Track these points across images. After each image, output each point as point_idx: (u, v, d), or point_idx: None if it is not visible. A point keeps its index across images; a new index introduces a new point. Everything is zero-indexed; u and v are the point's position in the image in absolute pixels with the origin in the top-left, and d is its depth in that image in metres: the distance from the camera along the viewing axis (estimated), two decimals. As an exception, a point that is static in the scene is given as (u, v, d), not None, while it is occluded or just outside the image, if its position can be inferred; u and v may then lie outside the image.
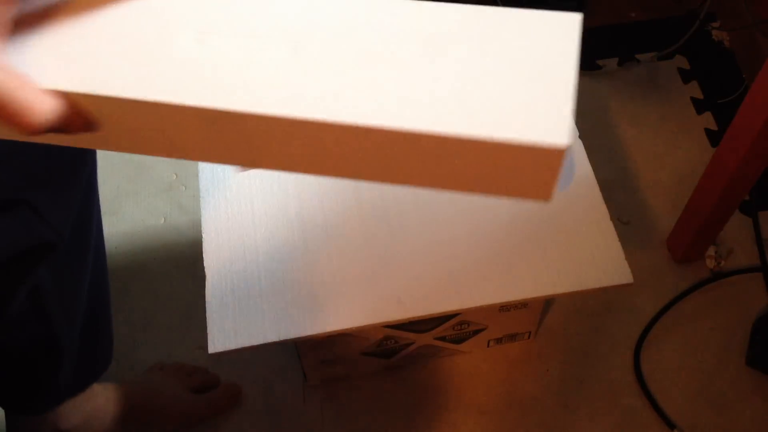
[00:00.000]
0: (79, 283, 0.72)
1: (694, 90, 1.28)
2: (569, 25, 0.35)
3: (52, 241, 0.60)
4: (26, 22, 0.34)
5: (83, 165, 0.63)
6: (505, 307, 0.89)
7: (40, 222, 0.57)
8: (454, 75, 0.33)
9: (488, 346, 1.00)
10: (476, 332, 0.95)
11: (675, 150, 1.21)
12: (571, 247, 0.79)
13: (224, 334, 0.74)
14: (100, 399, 0.86)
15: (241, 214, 0.82)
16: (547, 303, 1.05)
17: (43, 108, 0.31)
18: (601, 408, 0.98)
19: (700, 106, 1.26)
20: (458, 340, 0.96)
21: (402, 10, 0.36)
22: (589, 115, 1.25)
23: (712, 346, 1.02)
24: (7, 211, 0.55)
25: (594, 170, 0.84)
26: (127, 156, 1.22)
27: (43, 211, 0.57)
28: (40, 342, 0.70)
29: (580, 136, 0.87)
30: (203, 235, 0.80)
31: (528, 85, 0.32)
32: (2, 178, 0.54)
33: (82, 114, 0.33)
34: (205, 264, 0.79)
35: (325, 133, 0.33)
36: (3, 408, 0.82)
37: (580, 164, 0.85)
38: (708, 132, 1.23)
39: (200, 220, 0.82)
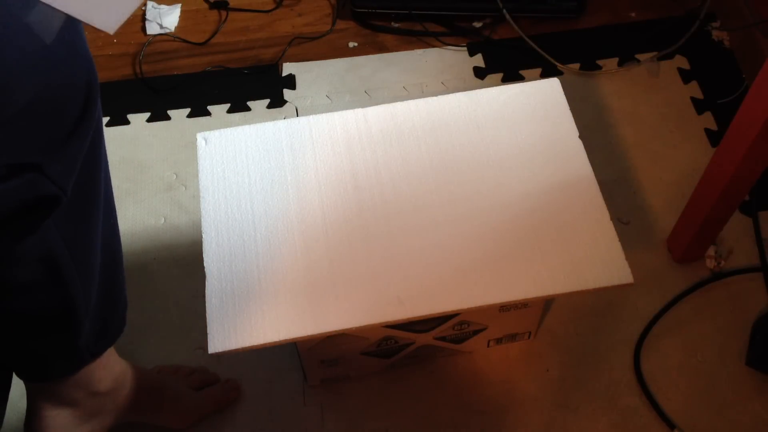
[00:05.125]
0: (92, 240, 0.70)
1: (694, 90, 1.28)
2: None
3: (53, 196, 0.58)
4: None
5: (88, 119, 0.60)
6: (505, 307, 0.89)
7: (43, 179, 0.56)
8: None
9: (488, 346, 1.00)
10: (476, 332, 0.95)
11: (675, 150, 1.20)
12: (572, 247, 0.79)
13: (224, 334, 0.74)
14: (123, 364, 0.85)
15: (241, 214, 0.82)
16: (547, 303, 1.05)
17: None
18: (601, 408, 0.98)
19: (700, 106, 1.26)
20: (458, 340, 0.96)
21: None
22: (589, 115, 1.25)
23: (712, 346, 1.02)
24: (17, 175, 0.54)
25: (594, 170, 0.84)
26: (127, 156, 1.22)
27: (46, 168, 0.56)
28: (58, 306, 0.69)
29: (580, 136, 0.87)
30: (203, 235, 0.80)
31: None
32: (13, 142, 0.53)
33: None
34: (205, 264, 0.79)
35: None
36: (24, 379, 0.78)
37: (580, 164, 0.85)
38: (708, 132, 1.23)
39: (200, 220, 0.82)
